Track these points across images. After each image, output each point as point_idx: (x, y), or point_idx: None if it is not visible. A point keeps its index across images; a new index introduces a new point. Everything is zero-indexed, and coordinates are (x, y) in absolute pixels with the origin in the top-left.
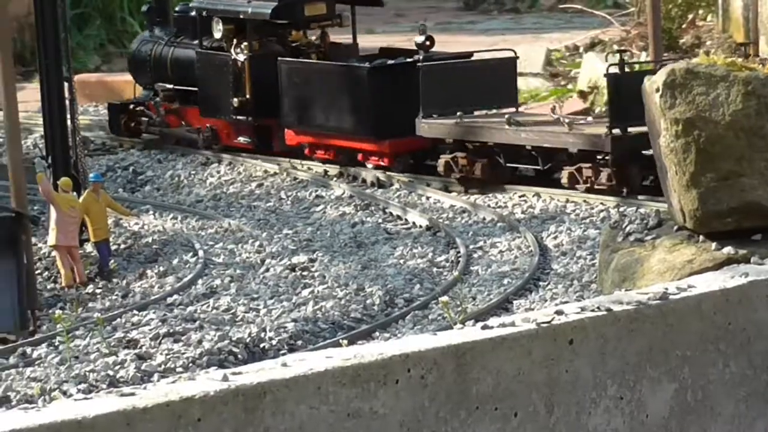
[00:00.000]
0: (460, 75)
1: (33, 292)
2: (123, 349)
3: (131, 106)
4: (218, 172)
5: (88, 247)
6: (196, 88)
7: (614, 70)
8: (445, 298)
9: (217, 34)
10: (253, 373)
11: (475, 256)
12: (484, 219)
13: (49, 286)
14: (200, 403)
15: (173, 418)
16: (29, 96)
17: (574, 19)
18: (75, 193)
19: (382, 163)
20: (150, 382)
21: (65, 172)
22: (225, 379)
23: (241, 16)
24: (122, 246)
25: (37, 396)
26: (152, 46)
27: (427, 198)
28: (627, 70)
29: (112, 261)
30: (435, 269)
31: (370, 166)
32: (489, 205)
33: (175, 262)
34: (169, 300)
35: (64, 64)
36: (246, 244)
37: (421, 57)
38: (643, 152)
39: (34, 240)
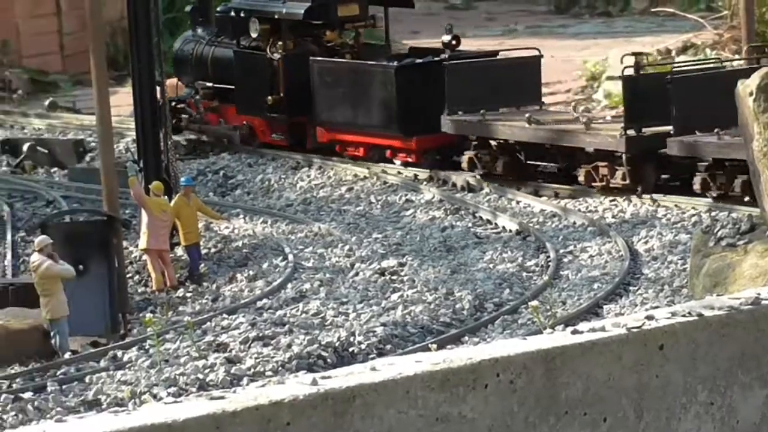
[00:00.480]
0: (485, 73)
1: (124, 295)
2: (213, 353)
3: (173, 104)
4: (308, 176)
5: (179, 251)
6: (233, 87)
7: (629, 72)
8: (534, 303)
9: (254, 34)
10: (342, 378)
11: (565, 260)
12: (574, 223)
13: (140, 290)
14: (289, 407)
15: (263, 422)
16: (122, 100)
17: (666, 23)
18: (166, 197)
19: (409, 159)
20: (239, 386)
21: (157, 176)
22: (314, 383)
23: (276, 17)
24: (212, 250)
25: (128, 399)
26: (194, 45)
27: (517, 202)
28: (642, 72)
29: (202, 265)
30: (525, 273)
31: (397, 162)
32: (579, 209)
33: (264, 266)
34: (259, 304)
35: (157, 69)
36: (335, 248)
37: (447, 56)
38: (659, 151)
39: (125, 243)
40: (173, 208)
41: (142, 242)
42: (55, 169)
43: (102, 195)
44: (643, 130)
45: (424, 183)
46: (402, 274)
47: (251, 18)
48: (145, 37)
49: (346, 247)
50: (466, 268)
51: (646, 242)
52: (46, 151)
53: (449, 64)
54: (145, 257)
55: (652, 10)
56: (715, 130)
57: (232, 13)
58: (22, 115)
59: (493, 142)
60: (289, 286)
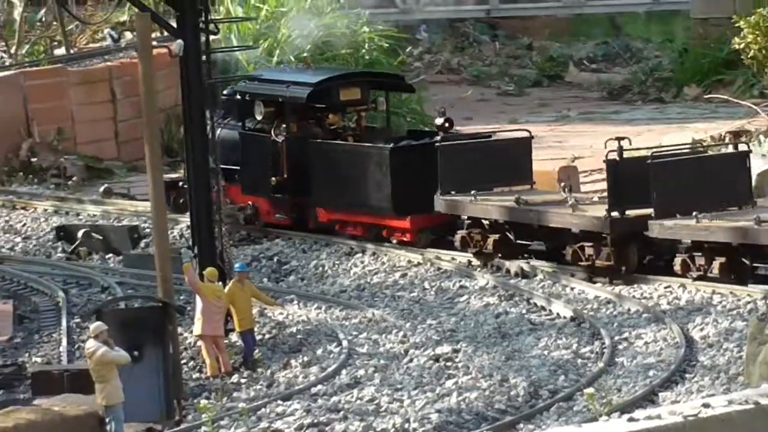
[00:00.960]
0: (477, 154)
1: (179, 381)
2: None
3: (180, 183)
4: (362, 262)
5: (233, 337)
6: (239, 167)
7: (613, 156)
8: (590, 390)
9: (259, 116)
10: None
11: (620, 347)
12: (629, 310)
13: (194, 376)
14: None
15: None
16: None
17: (719, 109)
18: (220, 283)
19: (405, 239)
20: None
21: (211, 262)
22: None
23: (280, 100)
24: (267, 336)
25: None
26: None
27: (572, 288)
28: (625, 156)
29: (256, 351)
30: (579, 360)
31: (394, 241)
32: (634, 296)
33: (319, 352)
34: (314, 390)
35: (211, 155)
36: (390, 334)
37: (439, 137)
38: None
39: (180, 329)
40: (227, 294)
41: (197, 328)
42: (110, 255)
43: (157, 281)
44: (627, 212)
45: (478, 269)
46: (456, 360)
47: (256, 101)
48: (199, 125)
49: (401, 333)
50: (520, 354)
51: (701, 329)
52: (100, 237)
53: (442, 145)
54: (199, 343)
55: (705, 96)
56: (693, 213)
57: (238, 96)
58: (77, 201)
59: (485, 222)
60: (344, 372)
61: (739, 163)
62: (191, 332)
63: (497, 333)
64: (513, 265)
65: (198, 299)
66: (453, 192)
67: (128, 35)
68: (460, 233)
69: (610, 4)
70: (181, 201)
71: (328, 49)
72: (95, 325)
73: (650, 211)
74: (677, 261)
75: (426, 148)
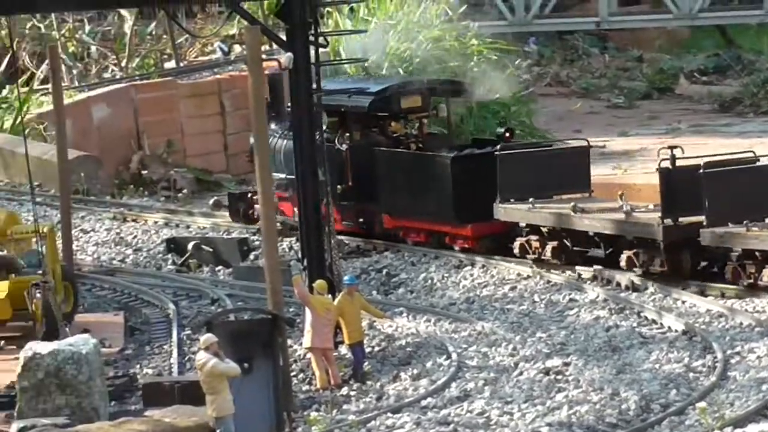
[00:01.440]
0: (535, 162)
1: (289, 394)
2: None
3: (249, 195)
4: (471, 275)
5: (343, 349)
6: None
7: (666, 164)
8: (702, 404)
9: (323, 126)
10: None
11: (733, 361)
12: (741, 324)
13: (304, 388)
14: None
15: None
16: None
17: None
18: (330, 296)
19: (466, 246)
20: None
21: (320, 275)
22: None
23: (343, 109)
24: (376, 348)
25: None
26: (270, 138)
27: (683, 302)
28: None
29: (366, 363)
30: (691, 374)
31: (456, 248)
32: (746, 310)
33: (428, 364)
34: (423, 403)
35: (320, 168)
36: (499, 347)
37: (499, 146)
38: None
39: (289, 342)
40: (337, 306)
41: (306, 341)
42: (220, 267)
43: (266, 293)
44: (680, 219)
45: (588, 282)
46: (567, 373)
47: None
48: (308, 138)
49: (510, 346)
50: (631, 368)
51: None
52: (210, 249)
53: (501, 153)
54: (309, 355)
55: None
56: (744, 222)
57: None
58: (187, 213)
59: (543, 229)
60: (453, 385)
61: None
62: (301, 344)
63: (608, 346)
64: (623, 278)
65: (307, 311)
66: (512, 200)
67: (237, 48)
68: (519, 240)
69: (722, 15)
70: (250, 212)
71: (437, 62)
72: (206, 337)
73: (702, 218)
74: (728, 269)
75: (487, 156)
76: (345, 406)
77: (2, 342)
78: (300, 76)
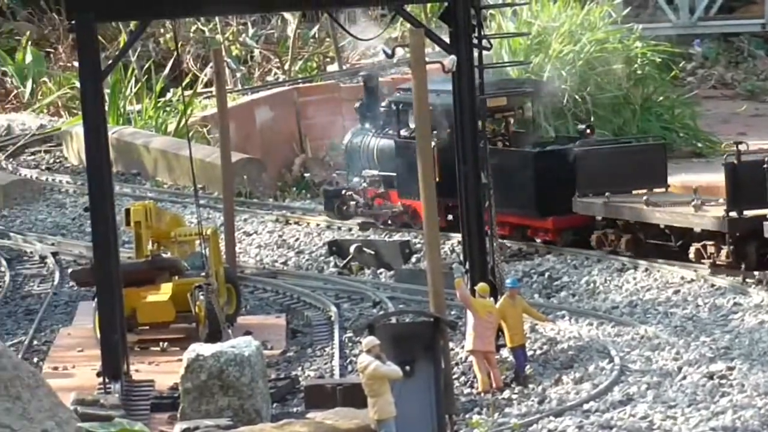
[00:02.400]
0: (611, 158)
1: (450, 396)
2: None
3: (343, 191)
4: (634, 278)
5: (505, 352)
6: (395, 173)
7: (731, 159)
8: None
9: (412, 125)
10: None
11: None
12: None
13: (465, 391)
14: None
15: None
16: None
17: None
18: (492, 299)
19: (547, 238)
20: None
21: (482, 278)
22: None
23: (430, 107)
24: (538, 351)
25: None
26: (362, 137)
27: None
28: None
29: (528, 366)
30: None
31: (538, 241)
32: None
33: (591, 368)
34: (585, 407)
35: (483, 172)
36: (662, 351)
37: (578, 143)
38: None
39: (451, 345)
40: (499, 309)
41: (468, 343)
42: (382, 270)
43: (428, 296)
44: (744, 212)
45: (753, 286)
46: (731, 378)
47: (410, 110)
48: (471, 141)
49: (674, 350)
50: None
51: None
52: (372, 252)
53: (579, 150)
54: (471, 358)
55: None
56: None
57: (393, 107)
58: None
59: (618, 222)
60: (616, 389)
61: None
62: (462, 347)
63: None
64: None
65: (469, 314)
66: (590, 194)
67: (400, 51)
68: (597, 233)
69: None
70: (344, 207)
71: (600, 64)
72: (368, 340)
73: (766, 211)
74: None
75: (568, 152)
76: (507, 410)
77: (166, 344)
78: (463, 79)
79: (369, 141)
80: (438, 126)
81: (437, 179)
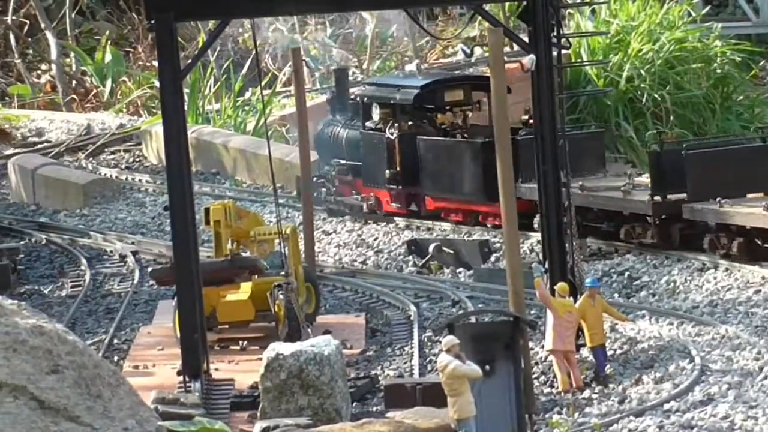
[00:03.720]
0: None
1: (530, 396)
2: None
3: (314, 179)
4: (714, 278)
5: (584, 352)
6: (361, 163)
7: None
8: None
9: (376, 117)
10: None
11: None
12: None
13: (545, 391)
14: None
15: None
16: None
17: None
18: (571, 298)
19: (497, 223)
20: None
21: (562, 277)
22: None
23: (392, 102)
24: (618, 351)
25: None
26: (332, 128)
27: None
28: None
29: (608, 366)
30: None
31: (489, 225)
32: None
33: (671, 368)
34: (666, 406)
35: (562, 170)
36: (743, 350)
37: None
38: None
39: (530, 344)
40: (578, 309)
41: (548, 343)
42: (461, 269)
43: (508, 296)
44: (668, 196)
45: None
46: None
47: (374, 104)
48: (551, 139)
49: (755, 350)
50: None
51: None
52: (451, 251)
53: (521, 139)
54: (550, 358)
55: None
56: (717, 199)
57: (359, 100)
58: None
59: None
60: (697, 388)
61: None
62: (542, 347)
63: None
64: None
65: (549, 314)
66: (532, 180)
67: (478, 50)
68: (708, 236)
69: None
70: (314, 195)
71: (678, 63)
72: (447, 339)
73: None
74: (705, 240)
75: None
76: (587, 409)
77: (245, 343)
78: (542, 78)
79: (338, 131)
80: (399, 120)
81: (397, 169)
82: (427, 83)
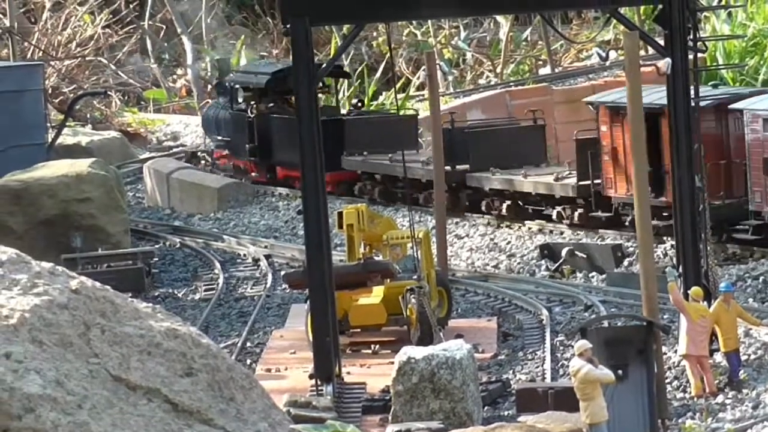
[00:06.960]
0: (371, 126)
1: (663, 401)
2: None
3: (198, 153)
4: None
5: (718, 357)
6: (229, 138)
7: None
8: None
9: (240, 99)
10: None
11: None
12: None
13: (678, 396)
14: None
15: None
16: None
17: None
18: (705, 303)
19: (329, 189)
20: None
21: (696, 282)
22: None
23: (251, 86)
24: (752, 356)
25: None
26: (215, 110)
27: None
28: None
29: (741, 371)
30: None
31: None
32: None
33: None
34: None
35: (697, 174)
36: None
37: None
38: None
39: (664, 349)
40: (712, 314)
41: (682, 348)
42: (594, 273)
43: (641, 300)
44: (456, 167)
45: None
46: None
47: (237, 88)
48: (686, 143)
49: None
50: None
51: None
52: (584, 255)
53: (348, 119)
54: (684, 363)
55: None
56: (490, 168)
57: (228, 85)
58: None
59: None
60: None
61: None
62: (675, 352)
63: None
64: None
65: (683, 319)
66: (355, 154)
67: (613, 54)
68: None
69: None
70: (197, 165)
71: None
72: (580, 344)
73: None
74: (483, 204)
75: (340, 122)
76: (720, 415)
77: (377, 346)
78: (678, 82)
79: (218, 113)
80: (256, 101)
81: (255, 143)
82: (280, 69)
